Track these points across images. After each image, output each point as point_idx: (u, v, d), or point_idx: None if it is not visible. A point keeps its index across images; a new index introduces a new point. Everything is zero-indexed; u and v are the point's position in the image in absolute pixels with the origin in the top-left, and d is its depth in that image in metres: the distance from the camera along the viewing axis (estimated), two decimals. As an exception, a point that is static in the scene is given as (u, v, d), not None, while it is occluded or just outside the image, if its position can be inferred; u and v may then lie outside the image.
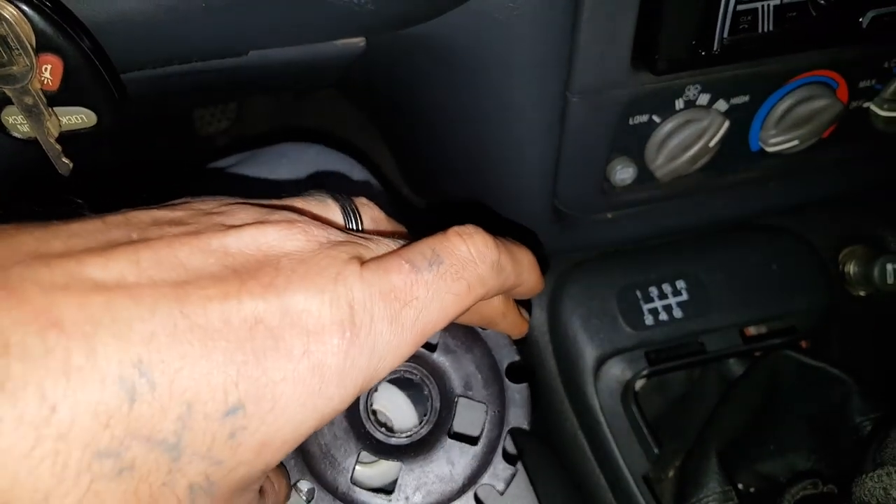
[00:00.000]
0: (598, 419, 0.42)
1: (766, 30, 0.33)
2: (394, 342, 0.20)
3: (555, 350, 0.43)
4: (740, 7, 0.32)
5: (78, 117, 0.24)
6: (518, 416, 0.31)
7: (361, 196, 0.25)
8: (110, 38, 0.25)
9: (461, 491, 0.30)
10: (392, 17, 0.31)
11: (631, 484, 0.41)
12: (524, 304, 0.30)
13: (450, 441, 0.30)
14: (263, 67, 0.35)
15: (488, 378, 0.32)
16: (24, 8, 0.21)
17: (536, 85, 0.34)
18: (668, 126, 0.38)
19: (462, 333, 0.32)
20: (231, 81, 0.39)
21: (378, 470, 0.32)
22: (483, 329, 0.32)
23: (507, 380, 0.31)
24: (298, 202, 0.23)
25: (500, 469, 0.30)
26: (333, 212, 0.24)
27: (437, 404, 0.32)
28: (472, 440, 0.31)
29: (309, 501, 0.29)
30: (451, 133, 0.43)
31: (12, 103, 0.23)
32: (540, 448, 0.45)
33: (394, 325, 0.20)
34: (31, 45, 0.22)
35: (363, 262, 0.20)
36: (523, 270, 0.25)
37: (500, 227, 0.42)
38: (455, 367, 0.32)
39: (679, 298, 0.43)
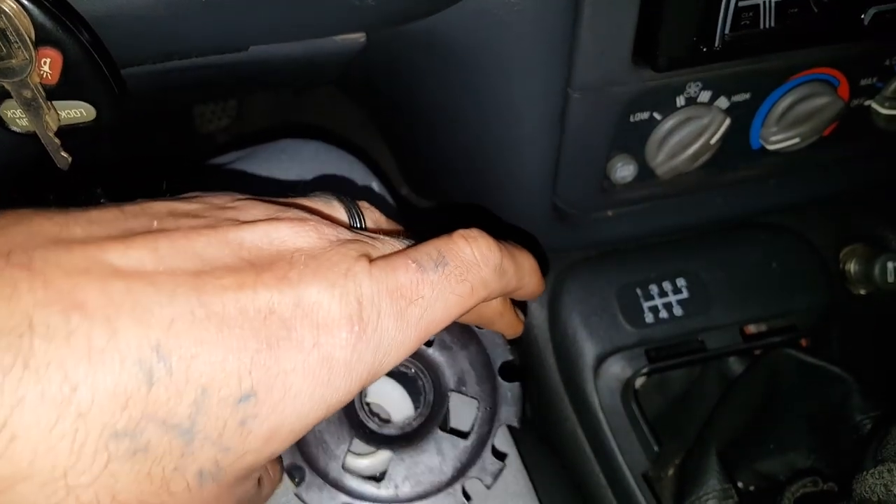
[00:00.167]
0: (598, 417, 0.42)
1: (767, 26, 0.33)
2: (398, 338, 0.20)
3: (555, 348, 0.43)
4: (742, 3, 0.32)
5: (77, 111, 0.24)
6: (509, 414, 0.31)
7: (363, 199, 0.26)
8: (109, 32, 0.25)
9: (449, 483, 0.30)
10: (392, 13, 0.31)
11: (631, 482, 0.41)
12: (520, 305, 0.30)
13: (441, 434, 0.31)
14: (264, 63, 0.35)
15: (482, 375, 0.32)
16: (24, 1, 0.21)
17: (537, 82, 0.34)
18: (669, 123, 0.38)
19: (458, 331, 0.33)
20: (231, 77, 0.39)
21: (369, 461, 0.32)
22: (479, 328, 0.32)
23: (499, 378, 0.32)
24: (305, 202, 0.24)
25: (488, 464, 0.31)
26: (339, 212, 0.24)
27: (430, 398, 0.32)
28: (463, 434, 0.31)
29: (299, 485, 0.29)
30: (450, 131, 0.43)
31: (11, 97, 0.23)
32: (540, 446, 0.45)
33: (399, 321, 0.20)
34: (30, 38, 0.22)
35: (371, 259, 0.21)
36: (525, 274, 0.25)
37: (502, 228, 0.42)
38: (450, 363, 0.33)
39: (679, 296, 0.42)
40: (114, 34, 0.25)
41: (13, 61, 0.22)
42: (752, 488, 0.43)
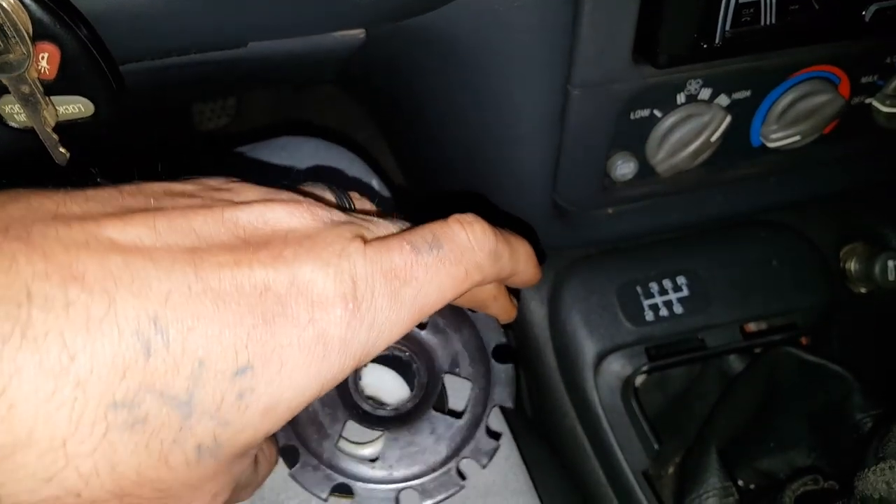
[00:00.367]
0: (598, 415, 0.41)
1: (768, 23, 0.33)
2: (392, 318, 0.21)
3: (554, 346, 0.43)
4: (743, 0, 0.32)
5: (75, 107, 0.24)
6: (502, 395, 0.32)
7: (355, 192, 0.26)
8: (107, 28, 0.25)
9: (444, 462, 0.30)
10: (391, 9, 0.31)
11: (631, 480, 0.41)
12: (514, 292, 0.30)
13: (434, 414, 0.31)
14: (263, 59, 0.35)
15: (475, 357, 0.32)
16: (21, -5, 0.21)
17: (537, 79, 0.34)
18: (670, 121, 0.38)
19: (451, 314, 0.33)
20: (230, 74, 0.39)
21: (364, 444, 0.32)
22: (472, 311, 0.32)
23: (493, 360, 0.32)
24: (299, 189, 0.24)
25: (483, 443, 0.31)
26: (330, 200, 0.24)
27: (423, 380, 0.33)
28: (457, 415, 0.31)
29: (294, 467, 0.29)
30: (449, 128, 0.42)
31: (9, 92, 0.23)
32: (539, 444, 0.45)
33: (393, 301, 0.20)
34: (27, 33, 0.22)
35: (366, 241, 0.21)
36: (520, 260, 0.26)
37: (499, 219, 0.42)
38: (443, 346, 0.33)
39: (679, 294, 0.42)
40: (112, 30, 0.25)
41: (10, 56, 0.22)
42: (752, 486, 0.43)
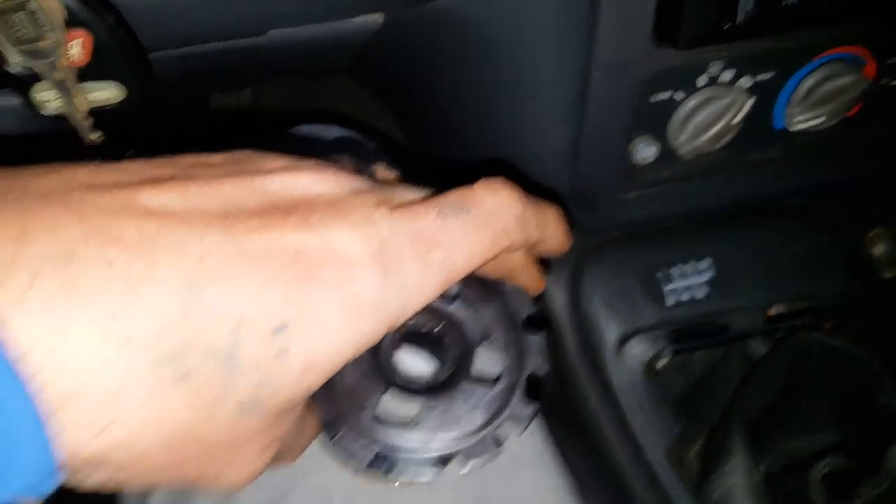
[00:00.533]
0: (620, 398, 0.41)
1: (792, 2, 0.33)
2: (421, 281, 0.21)
3: (575, 330, 0.43)
4: (766, -22, 0.31)
5: (107, 92, 0.24)
6: (537, 363, 0.32)
7: (378, 163, 0.27)
8: (133, 15, 0.25)
9: (480, 429, 0.30)
10: (412, -7, 0.31)
11: (654, 461, 0.41)
12: (543, 265, 0.31)
13: (469, 384, 0.31)
14: (282, 47, 0.35)
15: (506, 328, 0.32)
16: (53, -17, 0.22)
17: (557, 60, 0.34)
18: (691, 103, 0.38)
19: (480, 287, 0.33)
20: (249, 63, 0.39)
21: (402, 412, 0.33)
22: (501, 283, 0.32)
23: (524, 330, 0.32)
24: (324, 159, 0.25)
25: (518, 411, 0.31)
26: (355, 170, 0.25)
27: (455, 352, 0.33)
28: (491, 385, 0.31)
29: (333, 437, 0.29)
30: (468, 113, 0.42)
31: (42, 80, 0.24)
32: (559, 426, 0.45)
33: (421, 265, 0.21)
34: (60, 20, 0.22)
35: (392, 206, 0.21)
36: (548, 226, 0.26)
37: (527, 187, 0.42)
38: (473, 318, 0.33)
39: (702, 278, 0.42)
40: (137, 18, 0.26)
41: (43, 43, 0.22)
42: (776, 468, 0.43)
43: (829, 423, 0.39)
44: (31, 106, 0.25)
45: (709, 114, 0.38)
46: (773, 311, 0.45)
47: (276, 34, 0.33)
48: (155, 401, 0.17)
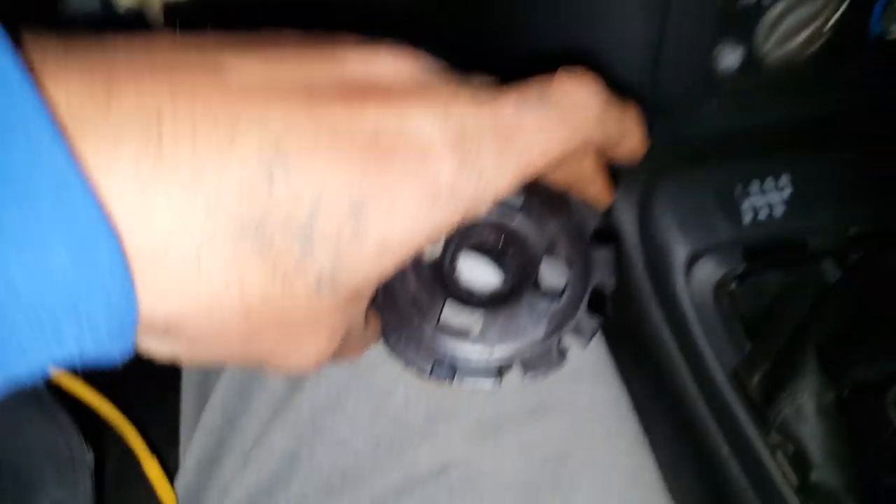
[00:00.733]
0: (688, 317, 0.41)
1: None
2: (498, 171, 0.21)
3: (644, 248, 0.42)
4: None
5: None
6: (603, 276, 0.31)
7: None
8: None
9: (544, 339, 0.30)
10: None
11: (719, 380, 0.41)
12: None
13: (533, 295, 0.31)
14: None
15: (573, 241, 0.32)
16: None
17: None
18: (782, 5, 0.35)
19: (546, 198, 0.33)
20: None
21: (463, 322, 0.33)
22: (568, 197, 0.32)
23: (592, 243, 0.32)
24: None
25: (583, 322, 0.31)
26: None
27: (520, 264, 0.33)
28: (556, 296, 0.31)
29: (394, 346, 0.30)
30: (541, 21, 0.41)
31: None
32: (619, 346, 0.45)
33: (500, 153, 0.21)
34: None
35: (471, 92, 0.21)
36: (628, 127, 0.25)
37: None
38: (538, 231, 0.33)
39: (782, 195, 0.41)
40: None
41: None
42: (846, 394, 0.42)
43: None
44: (107, 3, 0.25)
45: (800, 17, 0.36)
46: (853, 232, 0.44)
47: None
48: (237, 267, 0.17)
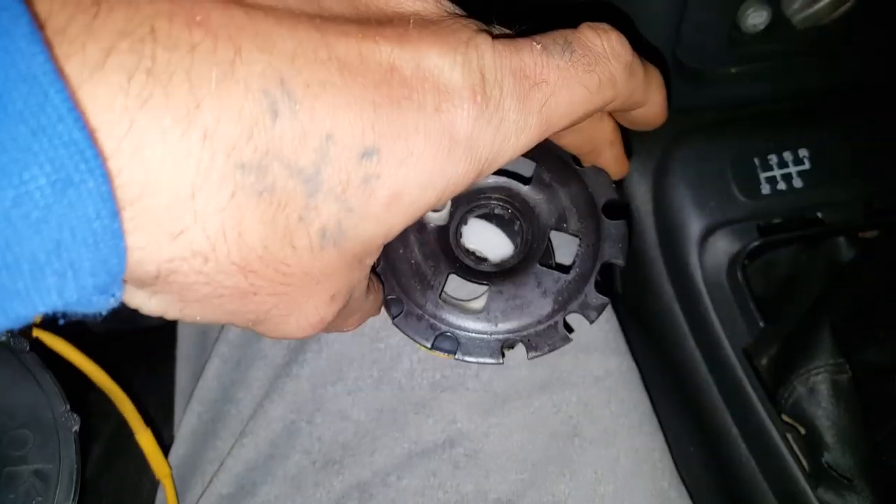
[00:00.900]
0: (700, 291, 0.40)
1: None
2: (520, 123, 0.19)
3: (657, 220, 0.41)
4: None
5: None
6: (613, 251, 0.30)
7: None
8: None
9: (550, 316, 0.29)
10: None
11: (731, 358, 0.40)
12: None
13: (540, 269, 0.30)
14: None
15: (584, 213, 0.31)
16: None
17: None
18: (811, -35, 0.34)
19: (558, 168, 0.31)
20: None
21: (468, 301, 0.32)
22: (581, 167, 0.31)
23: (603, 216, 0.30)
24: None
25: (591, 298, 0.30)
26: None
27: (528, 236, 0.31)
28: (564, 270, 0.30)
29: (396, 317, 0.29)
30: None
31: None
32: (629, 321, 0.44)
33: (521, 104, 0.19)
34: None
35: (493, 36, 0.19)
36: (652, 86, 0.24)
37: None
38: (549, 202, 0.31)
39: (800, 167, 0.39)
40: None
41: None
42: (858, 373, 0.41)
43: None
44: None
45: (830, -23, 0.34)
46: (870, 209, 0.43)
47: None
48: (235, 211, 0.15)
